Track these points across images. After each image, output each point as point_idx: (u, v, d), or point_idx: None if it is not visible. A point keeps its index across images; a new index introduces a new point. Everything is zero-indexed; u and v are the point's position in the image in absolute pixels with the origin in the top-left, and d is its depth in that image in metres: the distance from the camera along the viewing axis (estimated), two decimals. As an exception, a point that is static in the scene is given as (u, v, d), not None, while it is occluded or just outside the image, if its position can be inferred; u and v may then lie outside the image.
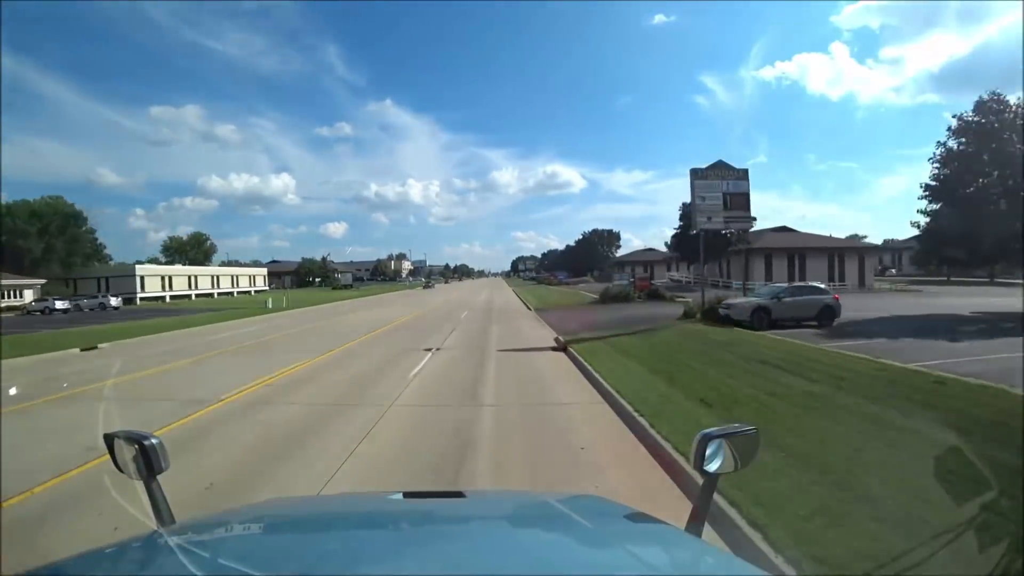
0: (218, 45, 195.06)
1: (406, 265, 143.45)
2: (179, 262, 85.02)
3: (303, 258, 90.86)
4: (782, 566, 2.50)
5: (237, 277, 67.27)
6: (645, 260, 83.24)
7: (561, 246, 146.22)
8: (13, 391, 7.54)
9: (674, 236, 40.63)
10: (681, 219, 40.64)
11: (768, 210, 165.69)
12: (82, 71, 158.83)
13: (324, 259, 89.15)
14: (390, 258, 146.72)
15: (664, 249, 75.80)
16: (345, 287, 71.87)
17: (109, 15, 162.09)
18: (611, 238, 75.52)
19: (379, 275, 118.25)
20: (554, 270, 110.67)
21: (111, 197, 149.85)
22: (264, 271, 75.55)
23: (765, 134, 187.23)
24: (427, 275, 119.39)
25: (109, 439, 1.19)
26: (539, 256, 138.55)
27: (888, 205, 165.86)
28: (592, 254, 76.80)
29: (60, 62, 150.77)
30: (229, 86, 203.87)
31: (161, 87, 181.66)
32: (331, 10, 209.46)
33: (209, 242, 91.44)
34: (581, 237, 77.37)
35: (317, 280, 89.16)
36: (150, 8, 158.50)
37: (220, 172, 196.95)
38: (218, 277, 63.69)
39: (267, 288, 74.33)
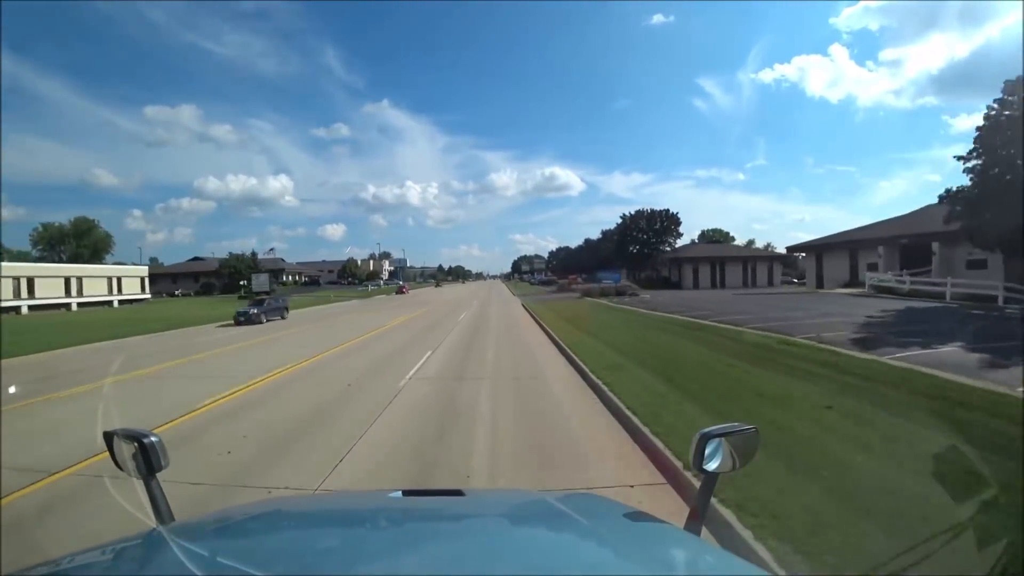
0: (216, 46, 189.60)
1: (387, 265, 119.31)
2: (55, 258, 60.48)
3: (230, 253, 65.63)
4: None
5: (79, 280, 41.97)
6: (718, 256, 58.04)
7: (559, 249, 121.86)
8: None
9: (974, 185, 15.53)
10: (978, 139, 15.76)
11: (769, 213, 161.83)
12: (79, 72, 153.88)
13: (254, 255, 63.77)
14: (372, 257, 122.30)
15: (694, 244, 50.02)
16: (259, 295, 46.51)
17: (108, 16, 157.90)
18: (668, 223, 50.05)
19: (347, 276, 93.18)
20: (574, 271, 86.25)
21: (108, 198, 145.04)
22: (143, 272, 50.07)
23: (764, 137, 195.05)
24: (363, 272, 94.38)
25: (108, 437, 1.17)
26: (545, 256, 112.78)
27: (887, 208, 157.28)
28: (632, 247, 51.35)
29: (57, 62, 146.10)
30: (226, 87, 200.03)
31: (158, 88, 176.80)
32: (330, 12, 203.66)
33: (101, 231, 66.61)
34: (620, 221, 51.81)
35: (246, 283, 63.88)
36: (149, 10, 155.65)
37: (217, 173, 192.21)
38: (32, 280, 38.27)
39: (148, 296, 49.23)
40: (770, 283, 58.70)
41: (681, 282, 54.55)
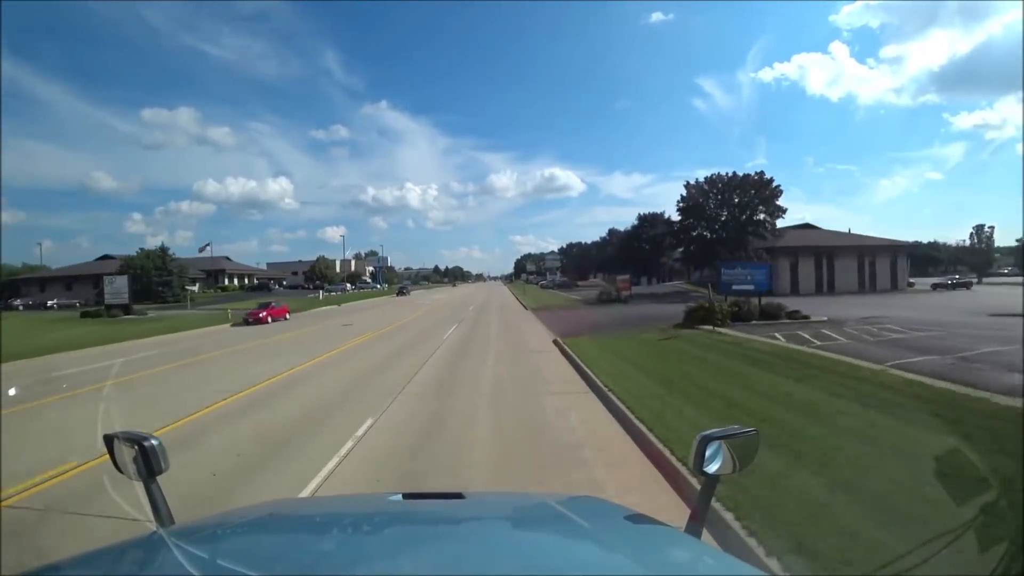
0: (214, 49, 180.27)
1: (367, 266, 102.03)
2: None
3: (140, 249, 48.46)
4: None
5: None
6: (824, 246, 40.19)
7: (571, 245, 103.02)
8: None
9: None
10: None
11: None
12: (77, 74, 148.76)
13: (163, 251, 46.61)
14: (357, 257, 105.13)
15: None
16: (96, 312, 29.08)
17: (106, 18, 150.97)
18: (763, 191, 32.44)
19: (316, 279, 75.85)
20: (590, 269, 69.80)
21: (108, 202, 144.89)
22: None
23: (764, 136, 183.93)
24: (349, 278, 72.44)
25: (109, 440, 1.17)
26: (556, 252, 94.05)
27: (887, 207, 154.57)
28: (705, 231, 33.93)
29: (55, 65, 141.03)
30: (225, 89, 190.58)
31: (155, 91, 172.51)
32: (329, 13, 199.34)
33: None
34: (684, 194, 34.09)
35: (160, 290, 47.22)
36: (147, 11, 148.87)
37: (216, 176, 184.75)
38: None
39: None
40: (894, 285, 41.07)
41: (773, 282, 37.06)
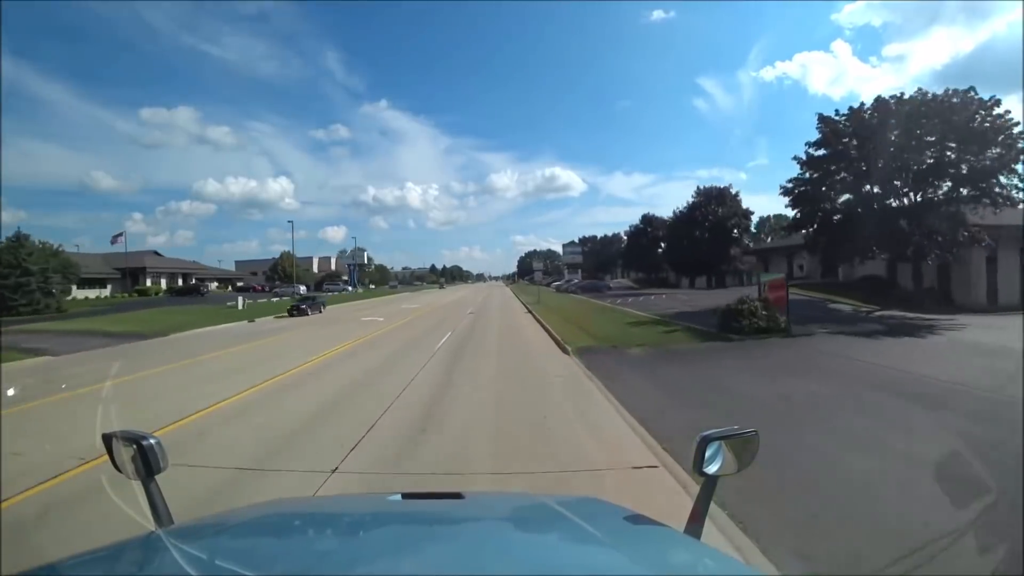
0: (215, 49, 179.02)
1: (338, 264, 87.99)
2: None
3: (5, 239, 33.85)
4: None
5: None
6: None
7: (584, 239, 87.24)
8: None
9: None
10: None
11: (770, 213, 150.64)
12: (76, 73, 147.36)
13: (19, 241, 32.20)
14: (340, 255, 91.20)
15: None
16: None
17: (107, 19, 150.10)
18: (985, 119, 17.27)
19: (277, 280, 61.81)
20: (606, 268, 56.95)
21: (108, 201, 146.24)
22: None
23: (765, 136, 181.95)
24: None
25: (107, 439, 1.15)
26: (575, 243, 78.62)
27: None
28: (850, 191, 19.02)
29: (54, 64, 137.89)
30: (225, 89, 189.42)
31: (155, 90, 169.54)
32: (330, 14, 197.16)
33: None
34: (828, 127, 19.15)
35: (10, 295, 32.13)
36: (148, 12, 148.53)
37: (216, 176, 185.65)
38: None
39: None
40: None
41: (952, 288, 22.84)
